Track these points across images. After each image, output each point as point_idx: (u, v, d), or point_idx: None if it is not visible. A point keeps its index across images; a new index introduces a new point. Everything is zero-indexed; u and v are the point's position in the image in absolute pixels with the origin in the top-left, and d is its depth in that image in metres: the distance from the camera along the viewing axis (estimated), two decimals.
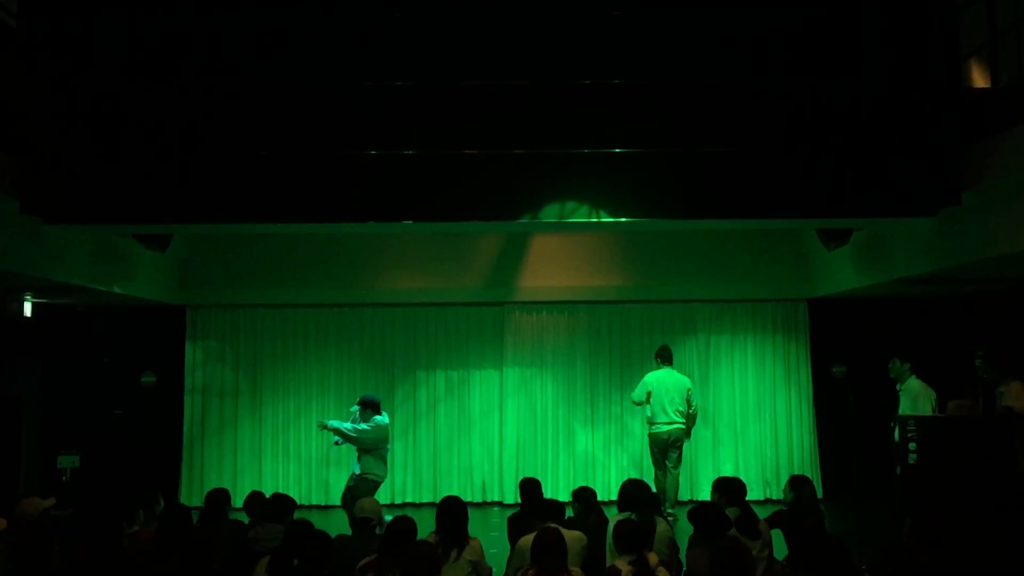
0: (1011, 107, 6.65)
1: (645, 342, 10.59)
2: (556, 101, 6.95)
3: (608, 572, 4.64)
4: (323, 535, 5.15)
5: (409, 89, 6.94)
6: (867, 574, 4.22)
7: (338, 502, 10.36)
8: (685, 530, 5.54)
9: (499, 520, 9.00)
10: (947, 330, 9.91)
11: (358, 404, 8.59)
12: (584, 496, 6.36)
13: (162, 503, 6.25)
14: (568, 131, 6.95)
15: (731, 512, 5.51)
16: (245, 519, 6.35)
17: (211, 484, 8.84)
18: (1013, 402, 6.73)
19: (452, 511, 5.20)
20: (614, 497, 10.36)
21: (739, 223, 8.31)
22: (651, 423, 9.53)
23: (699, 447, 10.41)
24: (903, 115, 6.89)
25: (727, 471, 10.17)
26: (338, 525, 7.79)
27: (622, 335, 10.76)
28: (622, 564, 4.57)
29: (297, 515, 6.13)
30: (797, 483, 6.38)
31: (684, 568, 5.51)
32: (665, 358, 9.68)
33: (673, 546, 5.57)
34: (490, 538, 8.26)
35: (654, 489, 8.60)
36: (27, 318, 9.67)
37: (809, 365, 10.78)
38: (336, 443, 8.78)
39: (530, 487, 6.64)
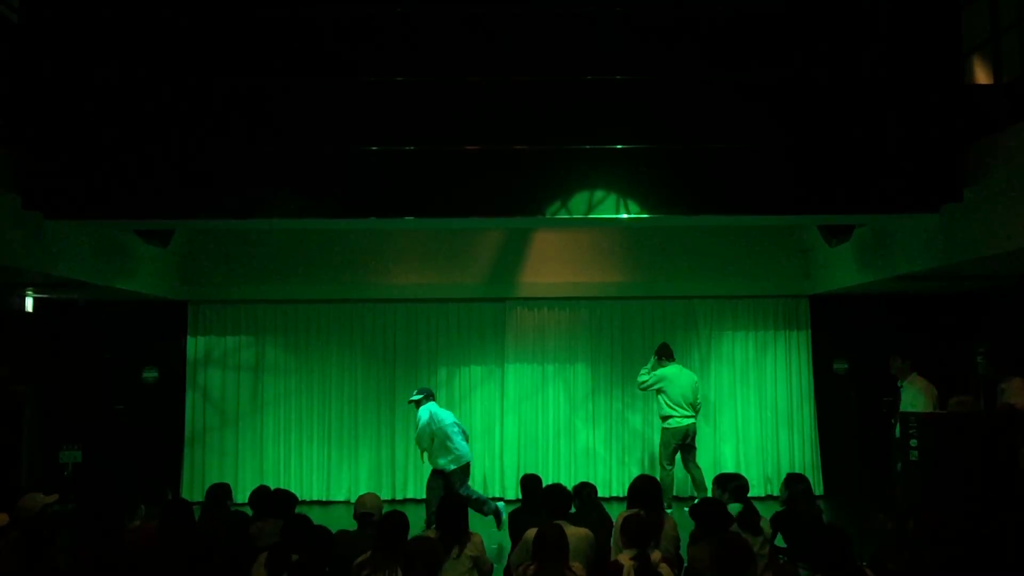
0: (1013, 104, 6.65)
1: (646, 338, 10.59)
2: (558, 97, 6.95)
3: (610, 567, 4.64)
4: (323, 530, 5.16)
5: (411, 85, 6.95)
6: (868, 570, 4.20)
7: (340, 497, 10.44)
8: (687, 526, 5.54)
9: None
10: (949, 327, 9.91)
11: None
12: (585, 492, 6.35)
13: (170, 497, 6.26)
14: (570, 128, 6.94)
15: (733, 508, 5.53)
16: (249, 513, 6.36)
17: (212, 479, 8.83)
18: (1014, 398, 6.75)
19: (453, 508, 5.18)
20: (615, 493, 10.55)
21: (741, 219, 8.32)
22: (669, 417, 9.54)
23: (700, 443, 10.38)
24: (906, 112, 6.90)
25: (728, 467, 10.19)
26: (340, 521, 7.80)
27: (623, 331, 10.76)
28: (624, 559, 4.57)
29: (298, 511, 6.13)
30: (791, 481, 6.41)
31: (685, 564, 5.52)
32: (669, 355, 9.73)
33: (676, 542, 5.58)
34: (491, 534, 8.30)
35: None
36: (29, 313, 9.68)
37: (810, 361, 10.77)
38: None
39: (531, 483, 6.64)
